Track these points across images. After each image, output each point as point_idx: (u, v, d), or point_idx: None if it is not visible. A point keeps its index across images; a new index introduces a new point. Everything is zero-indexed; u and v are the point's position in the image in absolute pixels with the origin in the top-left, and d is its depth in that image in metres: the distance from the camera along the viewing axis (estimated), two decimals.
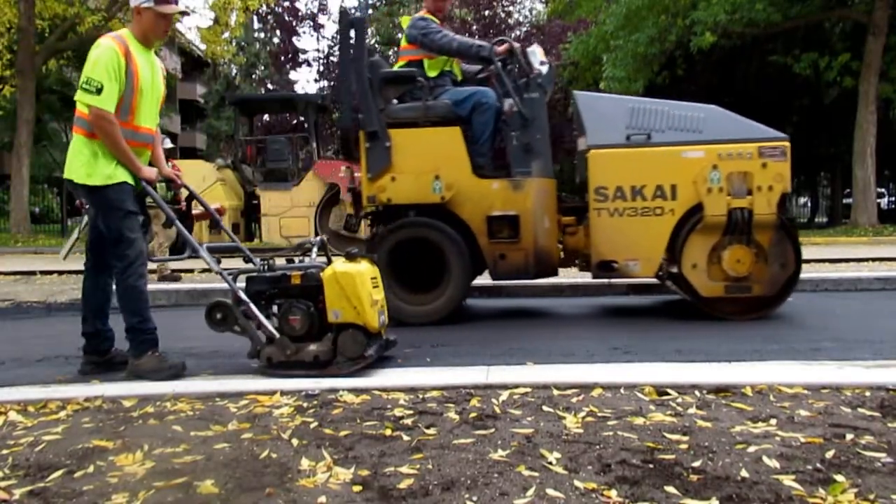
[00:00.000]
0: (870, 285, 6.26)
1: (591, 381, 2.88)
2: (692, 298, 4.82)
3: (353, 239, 12.85)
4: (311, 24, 31.41)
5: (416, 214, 4.89)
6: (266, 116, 25.35)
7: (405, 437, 2.29)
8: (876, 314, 5.15)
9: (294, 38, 31.96)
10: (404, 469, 2.00)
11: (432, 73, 5.12)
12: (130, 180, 3.43)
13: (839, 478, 1.86)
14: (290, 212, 12.51)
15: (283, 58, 31.76)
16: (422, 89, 4.91)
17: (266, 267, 3.48)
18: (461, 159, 4.84)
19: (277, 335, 3.30)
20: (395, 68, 5.32)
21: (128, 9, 19.51)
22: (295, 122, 23.79)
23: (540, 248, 4.84)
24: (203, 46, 22.53)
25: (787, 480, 1.85)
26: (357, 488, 1.88)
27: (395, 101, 5.05)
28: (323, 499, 1.81)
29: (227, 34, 20.83)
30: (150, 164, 3.64)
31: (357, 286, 3.28)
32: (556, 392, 2.79)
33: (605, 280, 6.71)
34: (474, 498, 1.79)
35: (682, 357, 3.58)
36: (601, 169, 4.78)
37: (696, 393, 2.74)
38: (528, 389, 2.82)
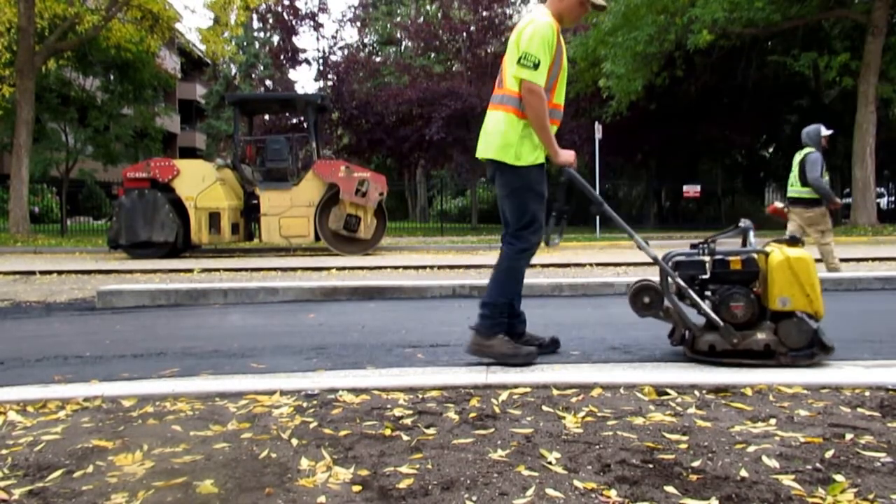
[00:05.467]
0: (869, 285, 6.26)
1: (590, 381, 2.88)
2: None
3: (352, 239, 12.87)
4: (311, 23, 31.42)
5: None
6: (266, 116, 25.35)
7: (405, 437, 2.28)
8: (876, 314, 5.15)
9: (294, 38, 31.97)
10: (404, 469, 2.00)
11: None
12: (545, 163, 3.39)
13: (839, 477, 1.86)
14: (289, 211, 12.51)
15: (282, 57, 31.77)
16: None
17: (704, 250, 3.37)
18: None
19: (721, 323, 3.22)
20: None
21: (128, 9, 19.36)
22: (294, 121, 23.79)
23: None
24: (203, 47, 22.52)
25: (787, 480, 1.86)
26: (356, 488, 1.88)
27: None
28: (322, 499, 1.81)
29: (227, 33, 20.82)
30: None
31: (812, 273, 3.19)
32: (555, 392, 2.79)
33: (605, 280, 6.72)
34: (474, 498, 1.79)
35: (682, 357, 3.58)
36: None
37: (696, 393, 2.74)
38: (528, 389, 2.82)
